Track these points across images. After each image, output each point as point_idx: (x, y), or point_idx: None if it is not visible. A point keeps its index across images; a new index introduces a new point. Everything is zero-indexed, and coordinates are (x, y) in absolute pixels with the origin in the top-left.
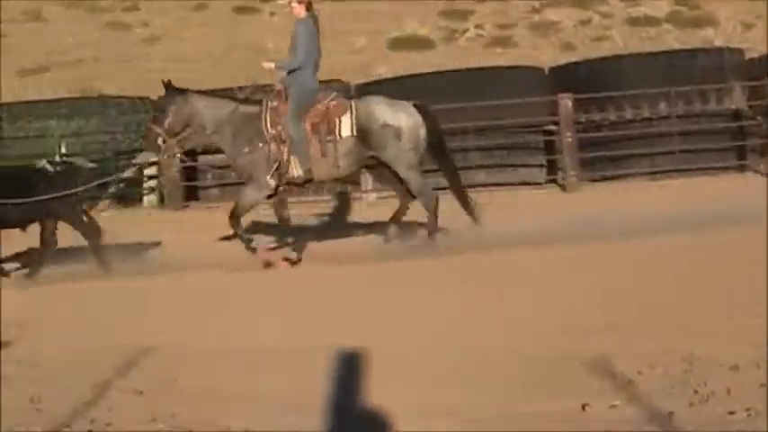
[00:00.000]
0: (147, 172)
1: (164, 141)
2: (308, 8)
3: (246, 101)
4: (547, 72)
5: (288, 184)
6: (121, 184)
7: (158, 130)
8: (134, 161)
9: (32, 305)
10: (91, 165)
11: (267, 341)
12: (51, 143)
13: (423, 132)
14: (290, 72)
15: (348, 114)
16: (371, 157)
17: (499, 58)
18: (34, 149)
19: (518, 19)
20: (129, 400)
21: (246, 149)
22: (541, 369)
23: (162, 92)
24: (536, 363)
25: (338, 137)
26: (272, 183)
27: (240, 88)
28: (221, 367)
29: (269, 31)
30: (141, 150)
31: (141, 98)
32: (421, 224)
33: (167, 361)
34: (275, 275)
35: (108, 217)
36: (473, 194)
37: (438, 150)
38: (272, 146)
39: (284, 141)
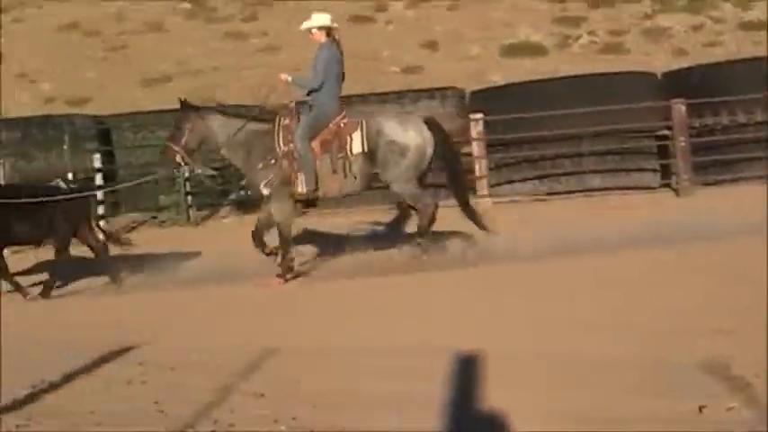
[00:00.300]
0: None
1: (181, 158)
2: (329, 34)
3: (258, 118)
4: (659, 77)
5: (297, 201)
6: (242, 192)
7: (175, 147)
8: None
9: (149, 310)
10: (211, 172)
11: (385, 343)
12: None
13: (429, 150)
14: (309, 92)
15: (359, 132)
16: (376, 174)
17: (612, 64)
18: (157, 158)
19: (630, 25)
20: (251, 402)
21: (260, 166)
22: (655, 372)
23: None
24: (649, 365)
25: (350, 154)
26: (289, 197)
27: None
28: (341, 369)
29: (384, 39)
30: None
31: (258, 106)
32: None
33: (289, 363)
34: (393, 281)
35: (229, 223)
36: (585, 198)
37: (448, 163)
38: (284, 162)
39: (295, 158)
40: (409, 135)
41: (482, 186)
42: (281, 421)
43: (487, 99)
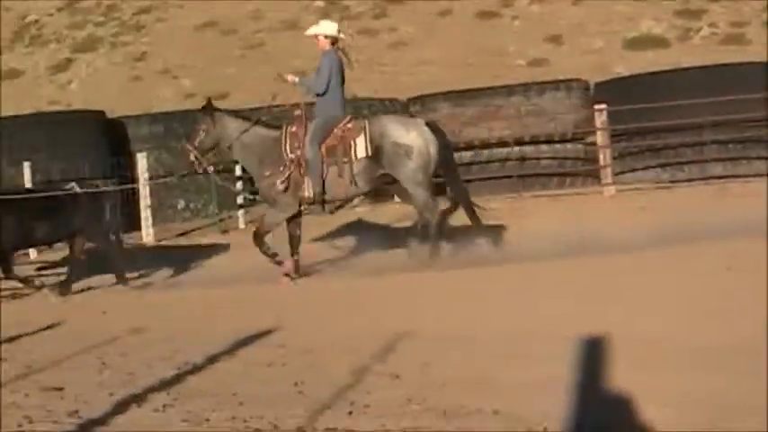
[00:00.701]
0: None
1: (195, 158)
2: (334, 43)
3: (267, 124)
4: None
5: (304, 204)
6: None
7: (190, 147)
8: None
9: (282, 298)
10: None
11: (514, 328)
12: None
13: (433, 150)
14: (317, 96)
15: (362, 136)
16: (384, 174)
17: (733, 55)
18: None
19: (751, 17)
20: (386, 384)
21: (267, 173)
22: None
23: None
24: None
25: (354, 158)
26: (293, 201)
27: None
28: (469, 353)
29: (510, 34)
30: None
31: (391, 99)
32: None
33: (422, 347)
34: (528, 268)
35: (360, 212)
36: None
37: (447, 165)
38: (292, 169)
39: (302, 165)
40: (412, 136)
41: (606, 175)
42: (414, 401)
43: (611, 90)
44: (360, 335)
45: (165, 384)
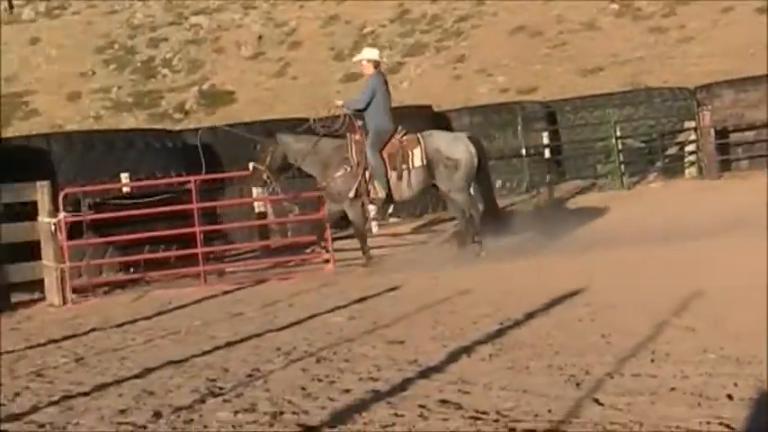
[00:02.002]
0: (688, 149)
1: (267, 177)
2: (376, 66)
3: (327, 135)
4: None
5: (371, 202)
6: (666, 160)
7: (261, 168)
8: (675, 141)
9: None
10: (639, 145)
11: None
12: (608, 128)
13: (476, 162)
14: (362, 111)
15: (419, 148)
16: (433, 185)
17: None
18: (594, 134)
19: None
20: (683, 336)
21: (336, 174)
22: None
23: None
24: None
25: (411, 166)
26: (354, 198)
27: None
28: (761, 310)
29: None
30: (681, 131)
31: (680, 88)
32: None
33: (712, 304)
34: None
35: (655, 188)
36: None
37: (481, 172)
38: (358, 171)
39: (366, 168)
40: (460, 150)
41: None
42: (709, 351)
43: None
44: (655, 295)
45: (490, 337)
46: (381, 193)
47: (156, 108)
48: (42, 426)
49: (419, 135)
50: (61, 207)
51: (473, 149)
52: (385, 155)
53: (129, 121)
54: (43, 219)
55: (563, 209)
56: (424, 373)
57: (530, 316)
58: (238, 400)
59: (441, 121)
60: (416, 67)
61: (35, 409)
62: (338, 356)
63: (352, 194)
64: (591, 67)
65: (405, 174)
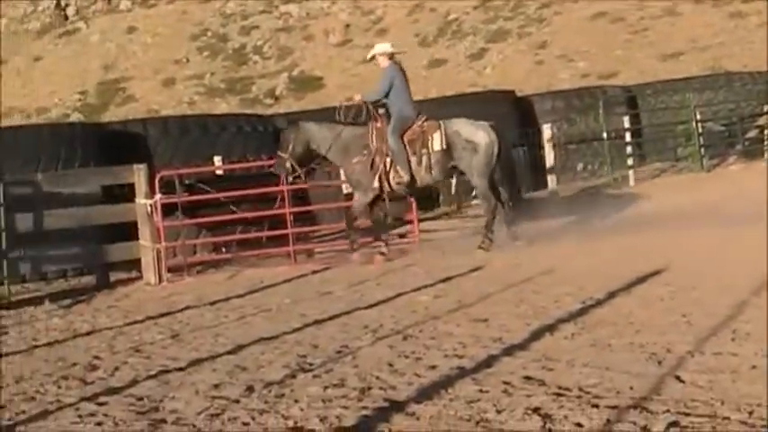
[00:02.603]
0: None
1: (291, 165)
2: (390, 57)
3: (349, 124)
4: None
5: (393, 188)
6: (746, 143)
7: (285, 156)
8: (755, 124)
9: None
10: (719, 128)
11: None
12: (687, 112)
13: (496, 148)
14: (384, 100)
15: (439, 133)
16: (453, 167)
17: None
18: (675, 118)
19: None
20: (764, 315)
21: (355, 160)
22: None
23: None
24: None
25: (431, 150)
26: (377, 186)
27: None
28: None
29: None
30: (761, 115)
31: (760, 72)
32: None
33: None
34: None
35: (735, 170)
36: None
37: (505, 161)
38: (377, 157)
39: (386, 154)
40: (480, 135)
41: None
42: None
43: None
44: (735, 275)
45: (573, 316)
46: (405, 177)
47: (247, 93)
48: (140, 399)
49: (440, 121)
50: (157, 189)
51: (494, 136)
52: (406, 140)
53: (222, 106)
54: (140, 200)
55: (642, 191)
56: (508, 351)
57: (611, 295)
58: (328, 376)
59: (523, 105)
60: (499, 53)
61: (133, 382)
62: (424, 334)
63: (375, 184)
64: (671, 52)
65: (425, 158)
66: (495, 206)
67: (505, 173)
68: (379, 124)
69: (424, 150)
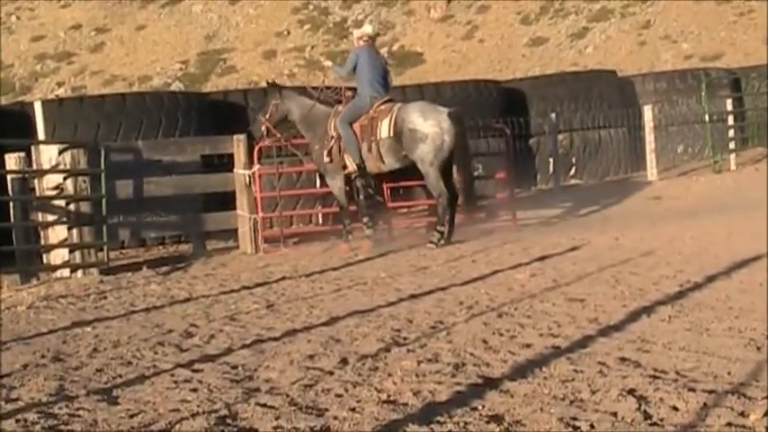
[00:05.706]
0: None
1: (266, 128)
2: (367, 41)
3: (326, 101)
4: None
5: (348, 175)
6: None
7: (263, 119)
8: None
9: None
10: None
11: None
12: None
13: (447, 138)
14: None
15: (388, 118)
16: (406, 156)
17: None
18: None
19: None
20: None
21: (317, 146)
22: None
23: None
24: None
25: (379, 137)
26: (343, 170)
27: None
28: None
29: None
30: None
31: None
32: None
33: None
34: None
35: None
36: None
37: (459, 151)
38: (332, 143)
39: (340, 140)
40: (428, 124)
41: None
42: None
43: None
44: None
45: (671, 299)
46: (352, 166)
47: None
48: (235, 367)
49: (394, 106)
50: (256, 160)
51: (446, 126)
52: (357, 127)
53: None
54: (239, 170)
55: (744, 174)
56: (604, 332)
57: (711, 279)
58: (422, 351)
59: (624, 86)
60: (602, 33)
61: (228, 351)
62: (519, 312)
63: (331, 167)
64: None
65: (374, 146)
66: (449, 199)
67: (459, 165)
68: (340, 108)
69: (373, 138)
